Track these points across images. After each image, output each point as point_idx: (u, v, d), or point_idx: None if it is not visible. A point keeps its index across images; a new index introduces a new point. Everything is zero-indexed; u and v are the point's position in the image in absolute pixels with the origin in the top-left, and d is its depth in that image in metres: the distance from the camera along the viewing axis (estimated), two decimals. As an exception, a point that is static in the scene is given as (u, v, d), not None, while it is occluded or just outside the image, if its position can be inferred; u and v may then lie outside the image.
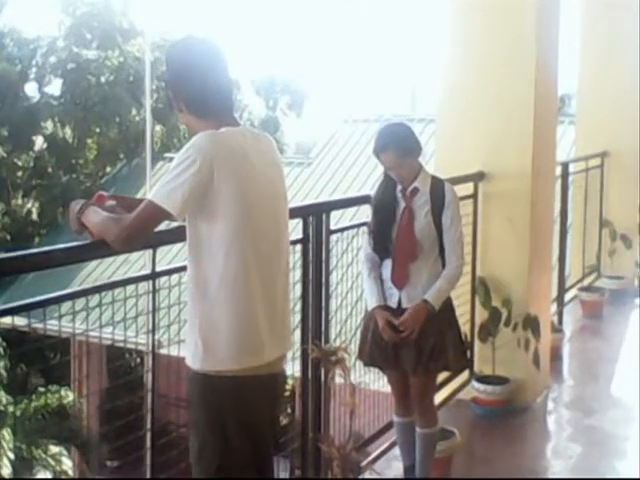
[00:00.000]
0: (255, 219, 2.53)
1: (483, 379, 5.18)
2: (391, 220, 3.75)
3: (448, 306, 3.86)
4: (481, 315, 5.22)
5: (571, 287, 7.60)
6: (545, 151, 5.43)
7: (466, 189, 5.15)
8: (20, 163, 19.07)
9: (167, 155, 17.15)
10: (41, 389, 13.25)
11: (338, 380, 3.40)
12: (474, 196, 5.23)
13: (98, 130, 19.44)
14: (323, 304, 3.72)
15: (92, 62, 18.71)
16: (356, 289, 4.28)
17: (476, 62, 5.22)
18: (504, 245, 5.15)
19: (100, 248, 2.52)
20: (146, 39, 16.68)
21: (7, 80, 17.92)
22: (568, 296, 7.39)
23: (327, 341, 3.77)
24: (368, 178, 14.58)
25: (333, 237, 3.92)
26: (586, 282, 7.89)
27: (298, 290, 3.63)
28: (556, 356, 6.13)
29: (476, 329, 5.24)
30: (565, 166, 7.06)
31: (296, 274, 3.49)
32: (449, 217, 3.76)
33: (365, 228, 3.94)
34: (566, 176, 7.05)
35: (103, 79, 18.88)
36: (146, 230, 2.45)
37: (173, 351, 3.10)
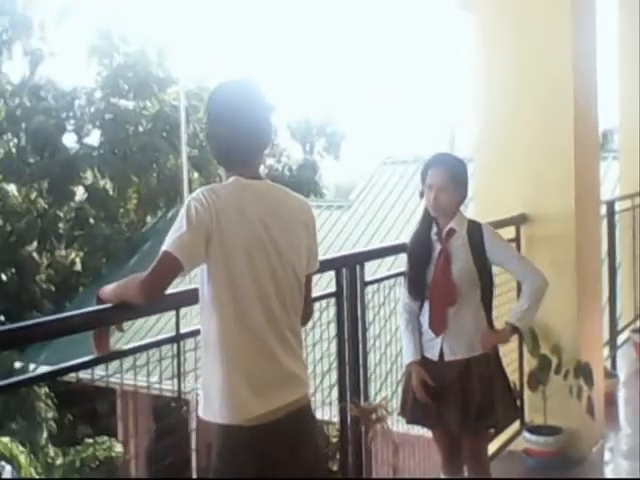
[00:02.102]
0: (245, 281, 2.47)
1: (535, 429, 4.96)
2: (426, 263, 3.60)
3: (495, 357, 3.68)
4: (530, 363, 5.01)
5: (624, 329, 7.34)
6: (589, 190, 5.24)
7: (508, 233, 4.96)
8: (62, 214, 19.23)
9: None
10: (89, 440, 13.20)
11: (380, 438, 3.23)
12: (517, 240, 5.04)
13: (137, 179, 19.60)
14: (361, 360, 3.55)
15: (129, 112, 18.92)
16: (395, 343, 4.10)
17: (512, 100, 5.07)
18: (551, 290, 4.81)
19: (121, 310, 2.44)
20: (181, 87, 16.83)
21: (45, 132, 18.13)
22: (621, 339, 7.13)
23: (366, 398, 3.60)
24: (408, 221, 14.43)
25: (369, 289, 3.77)
26: (639, 323, 7.60)
27: (333, 346, 3.48)
28: (611, 402, 5.88)
29: (525, 377, 5.03)
30: (610, 204, 6.85)
31: (331, 329, 3.35)
32: (498, 248, 3.65)
33: (402, 278, 3.79)
34: (612, 215, 6.84)
35: (141, 128, 19.06)
36: (165, 281, 2.39)
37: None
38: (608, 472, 5.13)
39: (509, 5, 5.10)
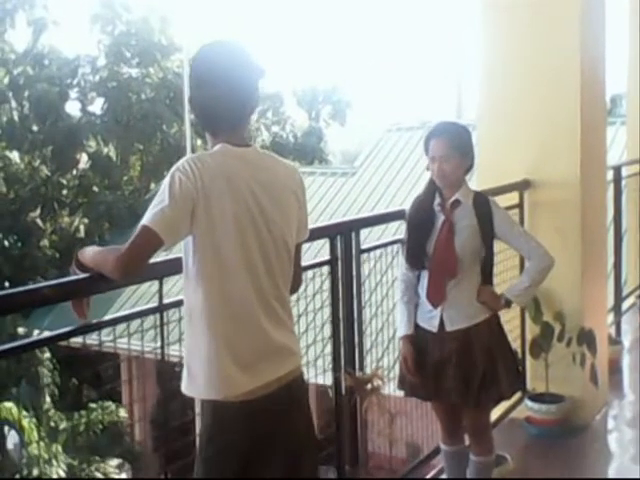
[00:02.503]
0: (232, 252, 2.38)
1: (537, 397, 4.90)
2: (427, 233, 3.49)
3: (496, 325, 3.60)
4: (532, 330, 4.94)
5: (629, 295, 7.26)
6: (595, 155, 5.13)
7: (511, 199, 4.88)
8: (65, 182, 19.16)
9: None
10: (92, 405, 13.24)
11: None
12: (520, 206, 4.95)
13: (140, 147, 19.50)
14: (356, 330, 3.47)
15: (132, 80, 18.79)
16: (394, 311, 4.03)
17: (517, 64, 4.95)
18: (554, 256, 4.82)
19: (96, 283, 2.35)
20: (184, 54, 16.64)
21: (47, 100, 17.99)
22: (626, 304, 7.06)
23: (362, 368, 3.53)
24: (413, 187, 14.32)
25: (371, 256, 3.67)
26: (644, 289, 7.51)
27: (327, 315, 3.40)
28: (615, 369, 5.82)
29: (527, 345, 4.96)
30: (617, 170, 6.74)
31: (324, 297, 3.27)
32: (506, 224, 3.56)
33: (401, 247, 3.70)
34: (619, 180, 6.74)
35: (144, 96, 18.92)
36: (143, 257, 2.28)
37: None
38: (611, 440, 5.08)
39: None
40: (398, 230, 4.99)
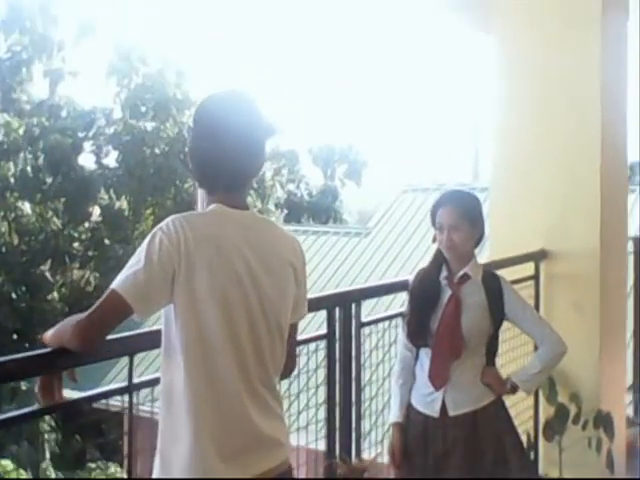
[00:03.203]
0: (218, 329, 2.09)
1: (549, 484, 4.56)
2: (432, 308, 3.22)
3: (502, 408, 3.31)
4: (546, 411, 4.62)
5: (647, 372, 6.91)
6: (615, 225, 4.86)
7: (526, 269, 4.61)
8: (76, 234, 19.02)
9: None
10: (91, 465, 12.89)
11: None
12: (535, 277, 4.68)
13: (153, 201, 19.38)
14: (354, 411, 3.17)
15: (147, 133, 18.73)
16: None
17: (534, 126, 4.73)
18: (571, 333, 4.48)
19: (61, 356, 2.06)
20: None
21: (60, 151, 17.93)
22: (644, 382, 6.70)
23: (359, 454, 3.22)
24: (428, 249, 14.07)
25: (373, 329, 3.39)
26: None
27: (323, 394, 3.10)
28: (632, 453, 5.45)
29: (540, 427, 4.64)
30: (638, 241, 6.46)
31: (319, 375, 2.98)
32: (518, 305, 3.31)
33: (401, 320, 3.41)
34: (639, 251, 6.45)
35: (158, 150, 18.86)
36: (105, 324, 2.01)
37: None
38: (629, 533, 4.72)
39: (531, 28, 4.76)
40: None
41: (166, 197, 19.16)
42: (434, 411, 3.19)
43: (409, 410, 3.30)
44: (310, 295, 2.48)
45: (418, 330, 3.23)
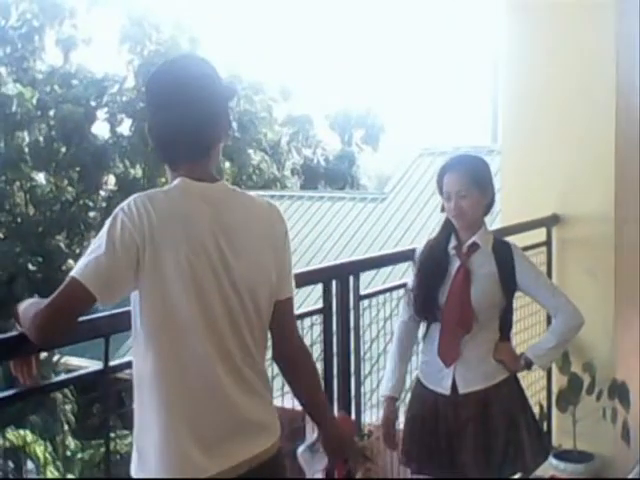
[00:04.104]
0: (189, 310, 1.95)
1: (563, 455, 4.44)
2: (440, 280, 3.05)
3: (516, 386, 3.16)
4: (559, 381, 4.49)
5: (666, 337, 6.75)
6: (630, 188, 4.68)
7: (538, 235, 4.45)
8: (92, 204, 19.00)
9: (238, 192, 16.76)
10: (112, 435, 12.91)
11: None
12: (547, 243, 4.52)
13: (168, 169, 19.33)
14: (353, 390, 3.03)
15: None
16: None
17: (547, 89, 4.54)
18: (584, 300, 4.31)
19: (24, 343, 1.91)
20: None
21: (73, 121, 17.87)
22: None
23: (359, 430, 3.08)
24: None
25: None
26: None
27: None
28: (650, 422, 5.32)
29: (554, 397, 4.51)
30: (655, 202, 6.26)
31: (316, 351, 2.84)
32: (531, 274, 3.14)
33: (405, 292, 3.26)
34: (657, 214, 6.26)
35: (172, 118, 18.74)
36: (65, 315, 1.87)
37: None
38: (646, 504, 4.59)
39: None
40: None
41: (181, 165, 19.10)
42: (445, 388, 3.05)
43: (419, 387, 3.16)
44: (305, 268, 2.35)
45: (426, 304, 3.07)
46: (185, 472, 1.97)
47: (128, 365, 2.15)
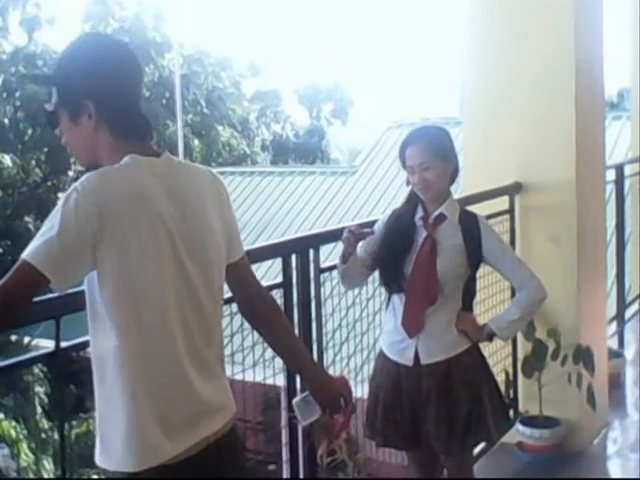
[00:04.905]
0: (151, 288, 1.92)
1: (529, 421, 4.48)
2: (406, 251, 3.03)
3: (478, 355, 3.17)
4: (524, 348, 4.52)
5: (632, 302, 6.82)
6: (592, 155, 4.71)
7: (500, 204, 4.47)
8: (60, 185, 18.82)
9: (208, 170, 16.65)
10: (83, 415, 12.88)
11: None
12: (510, 211, 4.53)
13: (136, 147, 19.21)
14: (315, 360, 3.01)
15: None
16: (356, 338, 3.58)
17: (506, 56, 4.53)
18: (548, 266, 4.38)
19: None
20: (176, 52, 16.27)
21: (38, 102, 17.60)
22: (629, 312, 6.63)
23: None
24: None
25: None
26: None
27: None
28: (616, 385, 5.39)
29: (519, 364, 4.55)
30: (619, 169, 6.31)
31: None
32: (497, 247, 3.12)
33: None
34: (621, 180, 6.31)
35: (138, 95, 18.59)
36: (17, 300, 1.83)
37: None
38: (611, 466, 4.66)
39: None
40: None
41: (149, 143, 18.97)
42: (407, 359, 3.04)
43: (381, 359, 3.15)
44: (263, 243, 2.33)
45: (392, 274, 3.05)
46: (152, 459, 1.94)
47: (83, 346, 2.13)
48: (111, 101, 2.00)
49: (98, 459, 1.99)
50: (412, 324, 3.03)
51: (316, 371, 2.39)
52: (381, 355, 3.16)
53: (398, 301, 3.08)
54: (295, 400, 2.39)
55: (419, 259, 3.01)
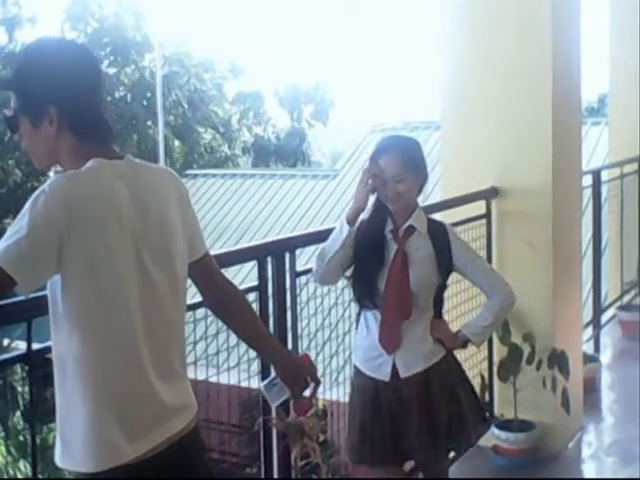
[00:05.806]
0: (115, 290, 1.93)
1: (505, 425, 4.50)
2: (379, 266, 2.96)
3: (453, 360, 3.14)
4: (500, 352, 4.55)
5: (608, 307, 6.87)
6: (568, 160, 4.74)
7: (477, 208, 4.50)
8: (39, 186, 18.72)
9: (189, 172, 16.61)
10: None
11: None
12: (487, 216, 4.56)
13: (116, 148, 19.13)
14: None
15: (107, 78, 18.36)
16: (336, 339, 3.58)
17: (484, 61, 4.56)
18: (523, 271, 4.43)
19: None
20: (157, 52, 16.21)
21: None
22: (606, 316, 6.67)
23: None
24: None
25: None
26: (625, 300, 7.08)
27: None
28: (591, 389, 5.42)
29: (495, 368, 4.57)
30: (597, 174, 6.36)
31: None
32: (467, 255, 3.10)
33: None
34: (598, 185, 6.35)
35: (118, 95, 18.49)
36: None
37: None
38: (586, 470, 4.68)
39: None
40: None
41: (129, 145, 18.86)
42: (384, 375, 2.99)
43: (358, 377, 3.09)
44: (238, 246, 2.33)
45: (365, 290, 2.99)
46: (112, 460, 1.95)
47: (48, 350, 2.13)
48: (73, 106, 1.99)
49: (58, 460, 1.99)
50: (389, 342, 2.98)
51: (280, 352, 2.46)
52: (357, 373, 3.10)
53: (372, 317, 3.02)
54: (263, 383, 2.45)
55: (392, 274, 2.96)
